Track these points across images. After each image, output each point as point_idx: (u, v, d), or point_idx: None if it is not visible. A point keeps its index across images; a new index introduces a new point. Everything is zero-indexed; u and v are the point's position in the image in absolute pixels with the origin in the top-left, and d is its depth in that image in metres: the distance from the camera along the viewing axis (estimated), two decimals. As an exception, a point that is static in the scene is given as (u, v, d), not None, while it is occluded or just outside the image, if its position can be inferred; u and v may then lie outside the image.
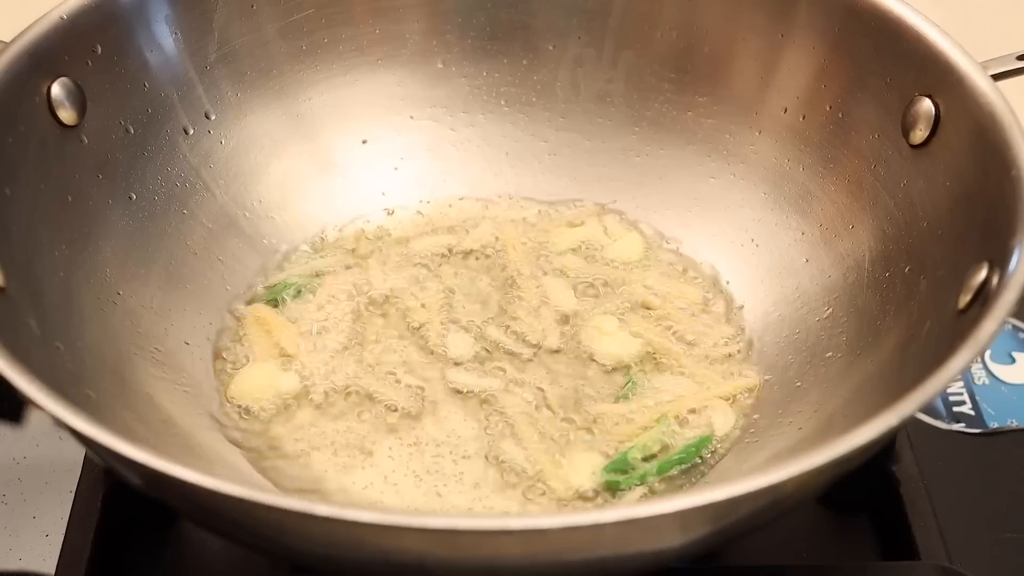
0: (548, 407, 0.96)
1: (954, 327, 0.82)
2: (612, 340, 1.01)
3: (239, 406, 0.96)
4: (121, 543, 0.91)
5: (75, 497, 0.91)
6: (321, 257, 1.08)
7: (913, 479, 0.94)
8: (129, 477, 0.76)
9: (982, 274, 0.82)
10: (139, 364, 0.94)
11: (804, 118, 1.05)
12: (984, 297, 0.80)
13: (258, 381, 0.97)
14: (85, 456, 0.95)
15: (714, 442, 0.95)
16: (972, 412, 1.06)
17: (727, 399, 0.98)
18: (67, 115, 0.94)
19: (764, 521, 0.77)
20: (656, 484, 0.92)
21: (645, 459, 0.93)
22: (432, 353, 1.01)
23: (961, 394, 1.08)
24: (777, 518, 0.79)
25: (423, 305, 1.04)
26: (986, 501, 1.00)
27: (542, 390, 0.98)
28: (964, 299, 0.83)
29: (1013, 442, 1.04)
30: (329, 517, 0.65)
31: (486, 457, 0.93)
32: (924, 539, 0.91)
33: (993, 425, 1.05)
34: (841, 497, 0.94)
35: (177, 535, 0.93)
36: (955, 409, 1.06)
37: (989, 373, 1.09)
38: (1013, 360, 1.10)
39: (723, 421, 0.96)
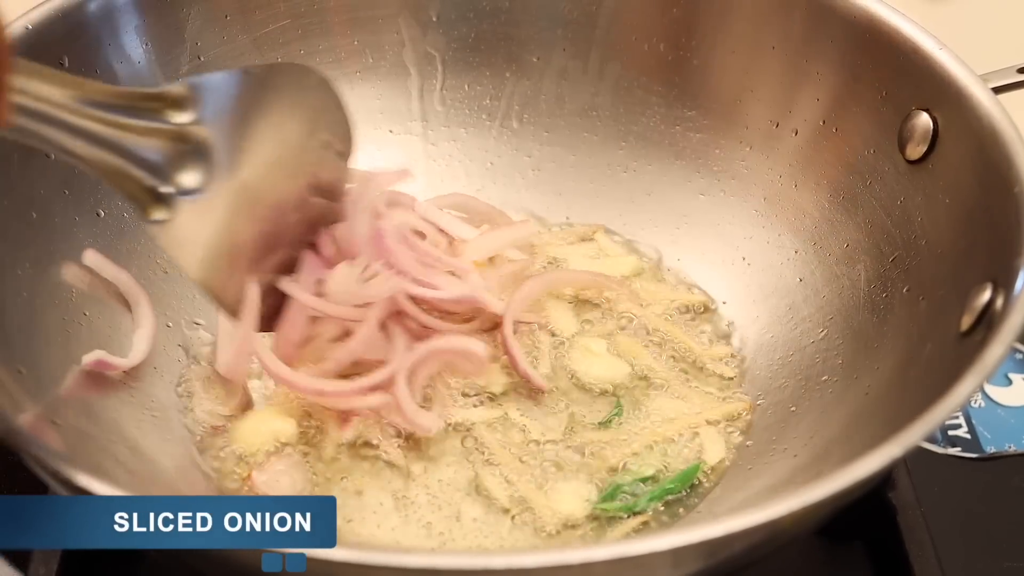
0: (535, 435, 0.94)
1: (956, 350, 0.80)
2: (601, 362, 0.99)
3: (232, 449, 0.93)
4: (87, 572, 0.88)
5: (40, 524, 0.88)
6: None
7: (910, 506, 0.92)
8: None
9: (986, 295, 0.80)
10: (106, 390, 0.91)
11: (796, 133, 1.03)
12: (988, 319, 0.79)
13: (258, 426, 0.94)
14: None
15: (705, 470, 0.92)
16: (968, 436, 1.04)
17: (718, 423, 0.96)
18: (32, 127, 0.92)
19: (759, 556, 0.75)
20: (649, 516, 0.90)
21: (636, 488, 0.90)
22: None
23: (957, 417, 1.05)
24: (773, 553, 0.76)
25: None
26: (984, 529, 0.98)
27: (529, 416, 0.95)
28: (967, 321, 0.81)
29: (1011, 467, 1.02)
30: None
31: (472, 488, 0.91)
32: (922, 569, 0.89)
33: (990, 449, 1.03)
34: (835, 525, 0.92)
35: (143, 566, 0.90)
36: (951, 433, 1.04)
37: (986, 396, 1.07)
38: (1010, 382, 1.08)
39: (713, 448, 0.94)
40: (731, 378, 0.99)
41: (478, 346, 0.93)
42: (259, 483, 0.89)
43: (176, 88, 0.81)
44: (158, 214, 0.81)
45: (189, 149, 0.81)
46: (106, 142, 0.76)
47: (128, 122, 0.77)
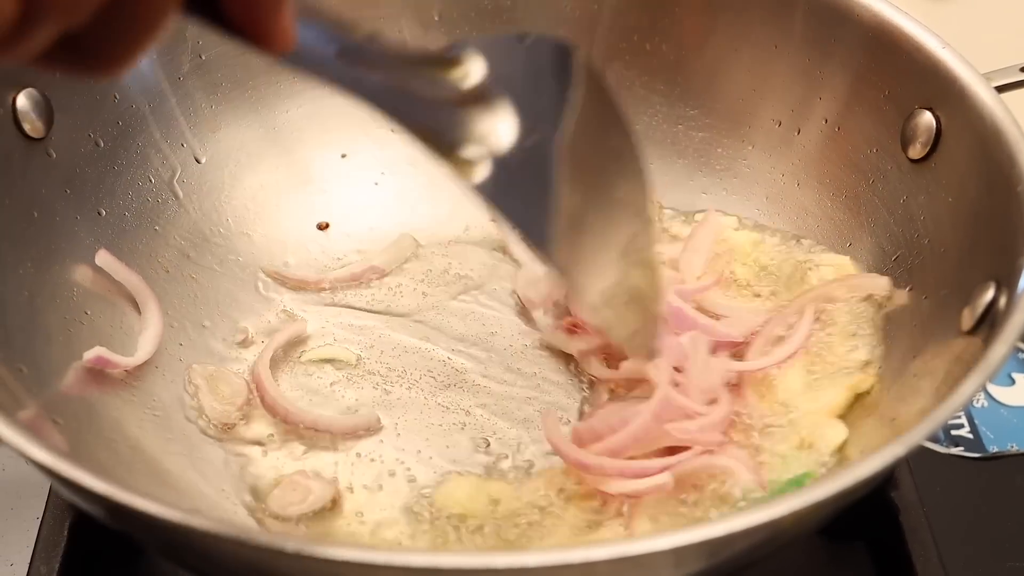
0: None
1: (959, 349, 0.80)
2: None
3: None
4: (88, 572, 0.88)
5: (41, 525, 0.88)
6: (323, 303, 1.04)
7: (912, 506, 0.91)
8: (95, 511, 0.73)
9: (989, 294, 0.80)
10: (107, 388, 0.91)
11: (799, 132, 1.03)
12: (992, 318, 0.79)
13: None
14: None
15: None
16: (971, 436, 1.03)
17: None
18: (33, 127, 0.92)
19: (762, 555, 0.74)
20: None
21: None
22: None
23: (959, 417, 1.05)
24: (775, 552, 0.76)
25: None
26: (987, 529, 0.98)
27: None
28: (969, 320, 0.81)
29: (1014, 467, 1.02)
30: (300, 554, 0.62)
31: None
32: (925, 570, 0.88)
33: (993, 449, 1.02)
34: (837, 525, 0.91)
35: (145, 567, 0.90)
36: (953, 432, 1.03)
37: (988, 395, 1.06)
38: (1013, 382, 1.07)
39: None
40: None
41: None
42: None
43: (442, 50, 0.72)
44: (475, 176, 0.70)
45: (480, 110, 0.70)
46: (391, 93, 0.67)
47: (409, 77, 0.68)
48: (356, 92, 0.65)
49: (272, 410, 0.94)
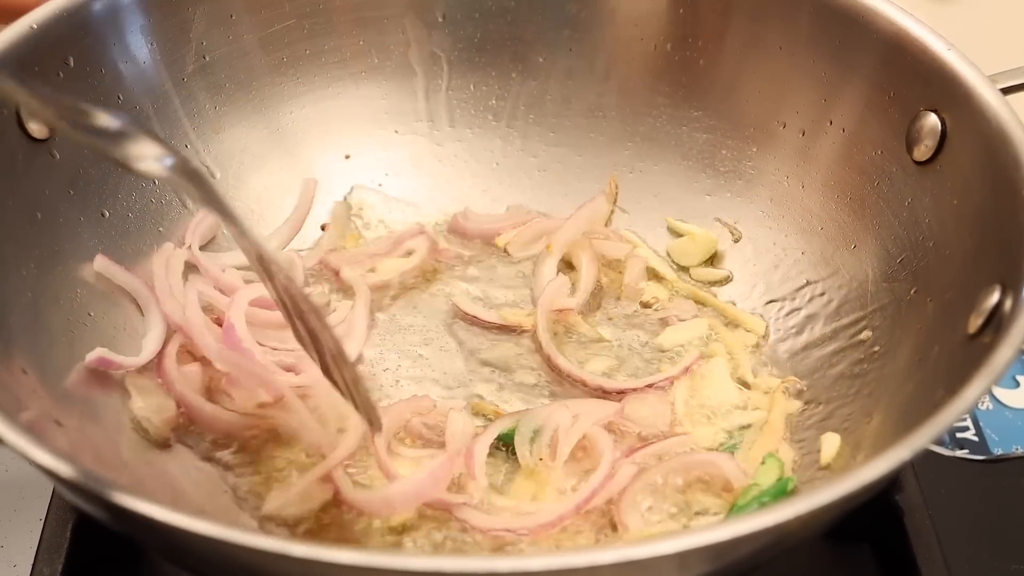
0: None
1: (965, 352, 0.80)
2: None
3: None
4: (91, 574, 0.88)
5: (44, 527, 0.88)
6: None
7: (917, 508, 0.91)
8: (98, 513, 0.73)
9: (994, 297, 0.80)
10: (110, 389, 0.91)
11: (804, 134, 1.02)
12: (997, 321, 0.78)
13: None
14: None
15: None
16: (976, 438, 1.03)
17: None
18: (37, 128, 0.91)
19: (766, 559, 0.74)
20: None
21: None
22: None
23: (964, 419, 1.05)
24: (779, 556, 0.76)
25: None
26: (992, 531, 0.97)
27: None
28: (975, 323, 0.81)
29: (1018, 469, 1.02)
30: (305, 558, 0.62)
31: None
32: (929, 571, 0.88)
33: (997, 451, 1.02)
34: (842, 527, 0.90)
35: (147, 569, 0.90)
36: (958, 435, 1.03)
37: (993, 398, 1.06)
38: (1017, 384, 1.07)
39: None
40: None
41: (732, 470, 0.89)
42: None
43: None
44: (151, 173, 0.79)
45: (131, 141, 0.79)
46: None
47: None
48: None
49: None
